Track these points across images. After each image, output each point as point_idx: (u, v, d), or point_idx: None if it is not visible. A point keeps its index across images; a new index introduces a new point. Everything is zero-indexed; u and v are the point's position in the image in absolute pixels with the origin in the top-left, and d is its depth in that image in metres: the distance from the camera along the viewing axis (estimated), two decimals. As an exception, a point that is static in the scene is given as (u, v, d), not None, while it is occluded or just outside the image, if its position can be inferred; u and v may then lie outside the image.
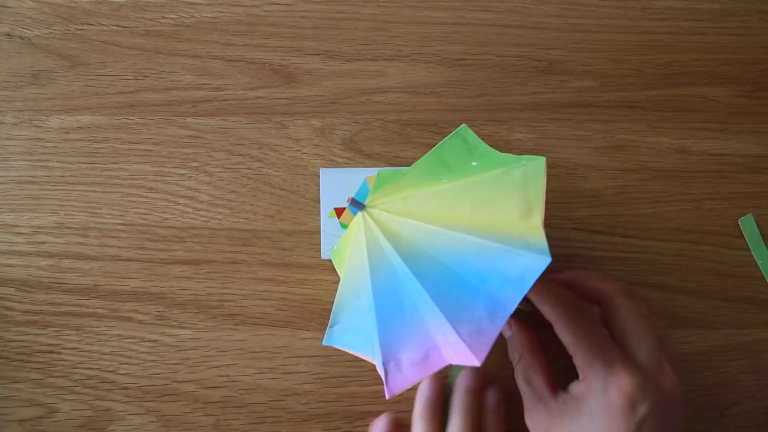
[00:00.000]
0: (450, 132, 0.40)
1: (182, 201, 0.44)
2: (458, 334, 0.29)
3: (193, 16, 0.46)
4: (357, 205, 0.34)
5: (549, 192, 0.44)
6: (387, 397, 0.30)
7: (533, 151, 0.45)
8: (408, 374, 0.31)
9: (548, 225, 0.44)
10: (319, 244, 0.43)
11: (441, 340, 0.30)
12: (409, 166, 0.38)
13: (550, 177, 0.45)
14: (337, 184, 0.43)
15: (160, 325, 0.43)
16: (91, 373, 0.42)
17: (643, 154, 0.45)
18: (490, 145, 0.38)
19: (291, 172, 0.45)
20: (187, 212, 0.44)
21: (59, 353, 0.42)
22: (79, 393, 0.42)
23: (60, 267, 0.43)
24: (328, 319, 0.37)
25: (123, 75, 0.45)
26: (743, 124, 0.46)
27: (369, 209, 0.34)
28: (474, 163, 0.35)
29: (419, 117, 0.45)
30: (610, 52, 0.46)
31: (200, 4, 0.46)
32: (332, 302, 0.40)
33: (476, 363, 0.29)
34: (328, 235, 0.42)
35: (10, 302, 0.43)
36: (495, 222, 0.32)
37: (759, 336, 0.44)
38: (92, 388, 0.42)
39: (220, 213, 0.44)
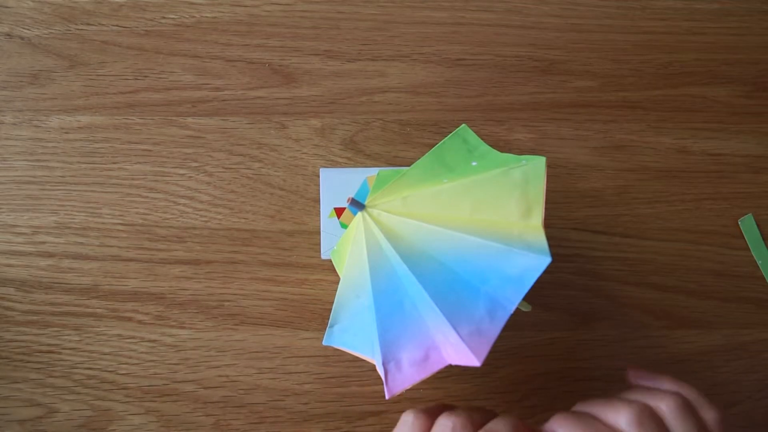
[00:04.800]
0: (450, 132, 0.40)
1: (182, 201, 0.44)
2: (458, 334, 0.29)
3: (193, 16, 0.46)
4: (357, 205, 0.34)
5: (549, 192, 0.44)
6: (387, 396, 0.30)
7: (533, 151, 0.45)
8: (408, 374, 0.31)
9: (548, 225, 0.44)
10: (319, 244, 0.43)
11: (441, 340, 0.30)
12: (409, 166, 0.38)
13: (550, 177, 0.45)
14: (337, 184, 0.42)
15: (160, 325, 0.43)
16: (91, 373, 0.42)
17: (643, 154, 0.45)
18: (490, 145, 0.38)
19: (291, 172, 0.45)
20: (187, 212, 0.44)
21: (59, 353, 0.42)
22: (79, 393, 0.42)
23: (60, 267, 0.43)
24: (328, 319, 0.37)
25: (123, 75, 0.45)
26: (743, 124, 0.46)
27: (369, 209, 0.34)
28: (474, 163, 0.35)
29: (419, 117, 0.45)
30: (610, 52, 0.46)
31: (200, 4, 0.46)
32: (332, 302, 0.40)
33: (476, 363, 0.29)
34: (328, 235, 0.42)
35: (10, 302, 0.43)
36: (495, 222, 0.32)
37: (759, 336, 0.44)
38: (92, 388, 0.42)
39: (219, 213, 0.44)
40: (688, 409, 0.30)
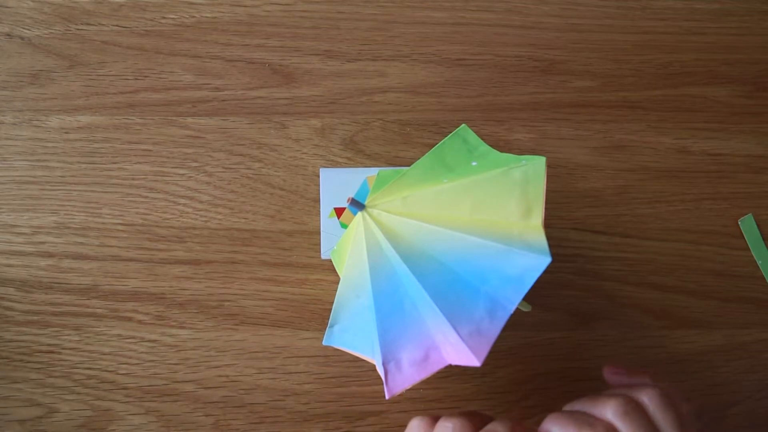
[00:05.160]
0: (450, 132, 0.40)
1: (182, 201, 0.44)
2: (458, 334, 0.29)
3: (193, 16, 0.46)
4: (357, 205, 0.34)
5: (549, 192, 0.44)
6: (387, 396, 0.30)
7: (533, 151, 0.45)
8: (408, 374, 0.31)
9: (548, 225, 0.44)
10: (319, 244, 0.43)
11: (441, 340, 0.30)
12: (409, 166, 0.38)
13: (550, 177, 0.45)
14: (337, 184, 0.43)
15: (160, 325, 0.43)
16: (91, 373, 0.42)
17: (643, 154, 0.45)
18: (490, 145, 0.38)
19: (291, 172, 0.45)
20: (187, 212, 0.44)
21: (59, 353, 0.42)
22: (79, 393, 0.42)
23: (60, 267, 0.43)
24: (328, 319, 0.37)
25: (123, 75, 0.45)
26: (743, 124, 0.46)
27: (369, 209, 0.34)
28: (474, 163, 0.35)
29: (419, 117, 0.45)
30: (610, 52, 0.46)
31: (200, 4, 0.46)
32: (332, 302, 0.40)
33: (476, 363, 0.29)
34: (328, 235, 0.42)
35: (10, 302, 0.43)
36: (495, 222, 0.32)
37: (759, 336, 0.44)
38: (92, 388, 0.42)
39: (220, 213, 0.44)
40: (667, 399, 0.32)
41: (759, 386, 0.43)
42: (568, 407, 0.34)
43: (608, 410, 0.31)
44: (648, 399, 0.32)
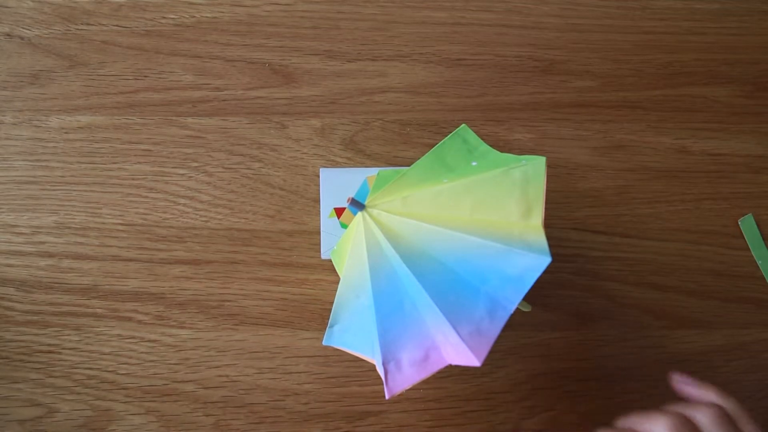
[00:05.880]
0: (450, 132, 0.40)
1: (182, 201, 0.44)
2: (458, 334, 0.29)
3: (193, 16, 0.46)
4: (357, 205, 0.34)
5: (549, 192, 0.44)
6: (387, 396, 0.30)
7: (533, 151, 0.45)
8: (408, 374, 0.31)
9: (548, 225, 0.44)
10: (319, 244, 0.43)
11: (441, 340, 0.30)
12: (409, 166, 0.38)
13: (550, 177, 0.45)
14: (337, 184, 0.43)
15: (160, 325, 0.43)
16: (91, 373, 0.42)
17: (643, 154, 0.45)
18: (490, 145, 0.38)
19: (291, 172, 0.45)
20: (187, 212, 0.44)
21: (59, 353, 0.42)
22: (79, 393, 0.42)
23: (60, 267, 0.43)
24: (328, 319, 0.37)
25: (123, 75, 0.45)
26: (743, 124, 0.46)
27: (369, 209, 0.34)
28: (474, 163, 0.35)
29: (419, 117, 0.45)
30: (610, 52, 0.46)
31: (200, 4, 0.46)
32: (332, 302, 0.40)
33: (476, 363, 0.29)
34: (328, 235, 0.42)
35: (10, 302, 0.43)
36: (495, 222, 0.32)
37: (759, 336, 0.44)
38: (92, 388, 0.42)
39: (220, 213, 0.44)
40: (726, 420, 0.30)
41: (759, 386, 0.43)
42: (621, 422, 0.32)
43: (658, 427, 0.29)
44: (705, 418, 0.29)
